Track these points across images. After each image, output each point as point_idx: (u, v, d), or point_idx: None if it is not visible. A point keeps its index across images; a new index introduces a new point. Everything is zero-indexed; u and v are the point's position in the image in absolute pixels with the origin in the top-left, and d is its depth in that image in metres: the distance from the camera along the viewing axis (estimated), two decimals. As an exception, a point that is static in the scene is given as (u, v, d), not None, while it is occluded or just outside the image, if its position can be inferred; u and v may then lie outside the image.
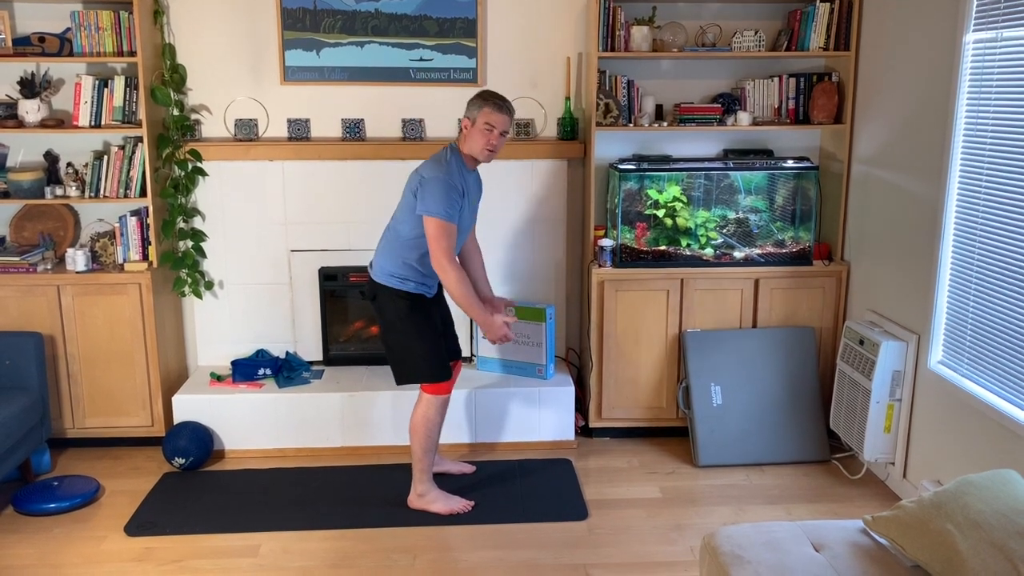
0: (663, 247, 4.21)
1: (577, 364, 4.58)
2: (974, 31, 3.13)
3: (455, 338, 3.75)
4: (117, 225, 4.06)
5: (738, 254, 4.20)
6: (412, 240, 3.35)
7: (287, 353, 4.36)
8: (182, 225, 4.19)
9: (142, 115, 3.95)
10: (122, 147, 4.04)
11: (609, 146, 4.32)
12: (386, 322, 3.46)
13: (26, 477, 3.83)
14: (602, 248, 4.10)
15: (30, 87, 3.96)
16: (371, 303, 3.50)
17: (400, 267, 3.39)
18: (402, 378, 3.51)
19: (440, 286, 3.54)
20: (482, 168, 3.51)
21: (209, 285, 4.29)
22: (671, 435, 4.25)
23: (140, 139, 4.01)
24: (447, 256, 3.25)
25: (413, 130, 4.28)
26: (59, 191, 4.03)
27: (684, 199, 4.24)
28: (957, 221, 3.28)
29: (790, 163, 4.20)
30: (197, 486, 3.80)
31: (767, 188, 4.33)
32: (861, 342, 3.72)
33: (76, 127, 3.98)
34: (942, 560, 2.18)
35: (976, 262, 3.16)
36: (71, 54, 3.93)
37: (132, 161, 4.02)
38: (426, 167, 3.33)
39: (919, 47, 3.50)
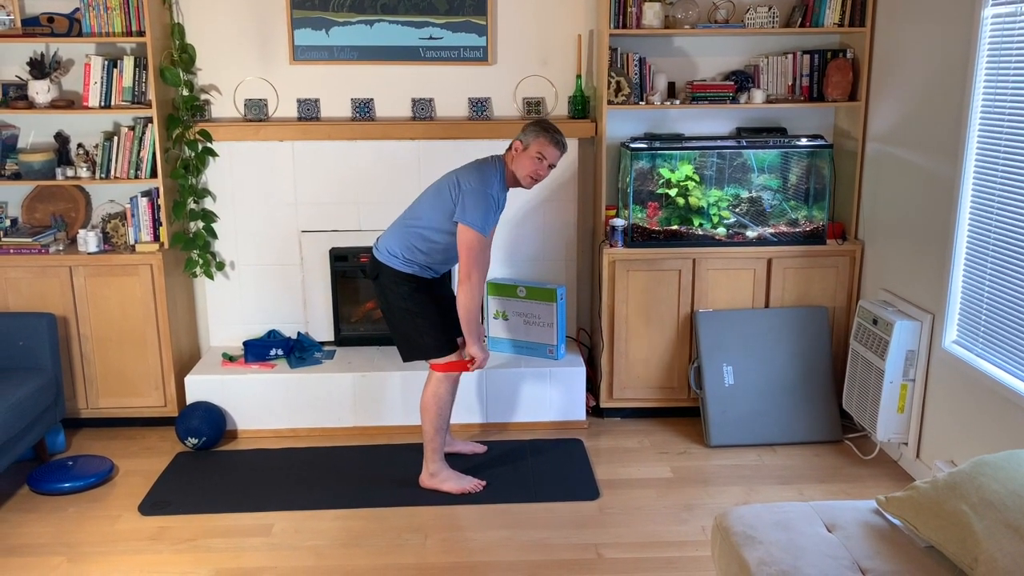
0: (675, 227, 4.18)
1: (588, 344, 4.57)
2: (993, 5, 3.08)
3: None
4: (128, 206, 4.06)
5: (751, 233, 4.17)
6: (430, 235, 3.37)
7: (299, 334, 4.37)
8: (193, 206, 4.19)
9: (152, 95, 3.94)
10: (132, 128, 4.04)
11: (620, 124, 4.28)
12: (389, 302, 3.46)
13: (41, 457, 3.86)
14: (613, 228, 4.08)
15: (40, 68, 3.95)
16: (372, 282, 3.50)
17: (408, 252, 3.39)
18: (409, 355, 3.52)
19: (446, 273, 3.54)
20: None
21: (220, 266, 4.30)
22: (682, 415, 4.24)
23: (150, 120, 4.00)
24: (478, 268, 3.30)
25: (423, 109, 4.25)
26: (70, 172, 4.03)
27: (696, 178, 4.21)
28: (973, 199, 3.24)
29: (804, 141, 4.16)
30: (210, 466, 3.82)
31: (780, 167, 4.29)
32: (875, 322, 3.69)
33: (86, 108, 3.98)
34: (956, 541, 2.17)
35: (992, 241, 3.13)
36: (80, 34, 3.92)
37: (142, 142, 4.01)
38: (471, 175, 3.34)
39: (936, 22, 3.45)
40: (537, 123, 3.38)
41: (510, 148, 3.40)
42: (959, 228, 3.30)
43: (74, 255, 3.99)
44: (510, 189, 3.47)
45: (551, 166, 3.38)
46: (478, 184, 3.31)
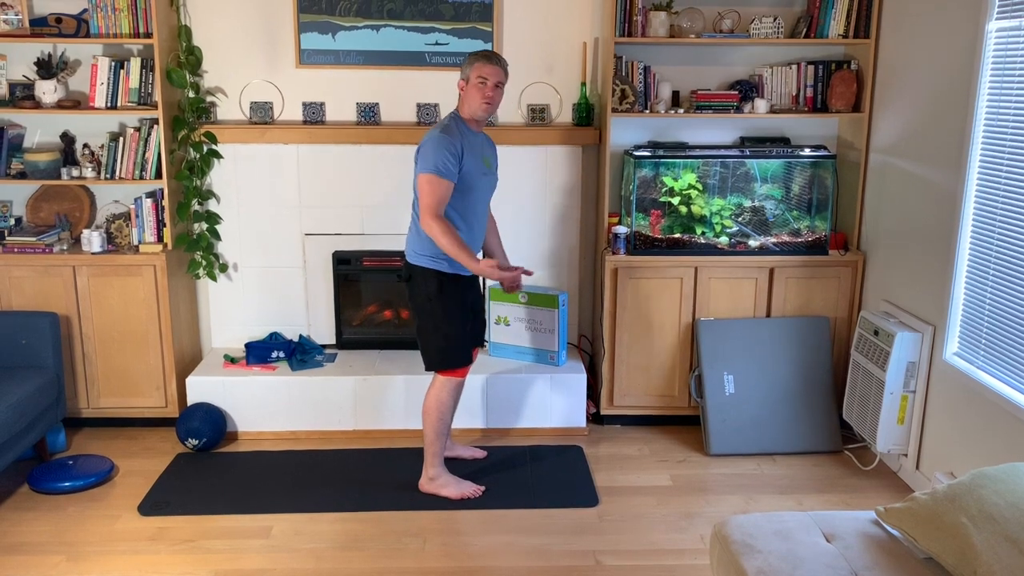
0: (677, 235, 4.19)
1: (589, 351, 4.57)
2: (997, 19, 3.09)
3: (482, 324, 3.78)
4: (132, 207, 4.08)
5: (753, 243, 4.18)
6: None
7: (300, 336, 4.38)
8: (197, 207, 4.20)
9: (158, 97, 3.95)
10: (138, 129, 4.05)
11: (624, 132, 4.29)
12: (416, 305, 3.45)
13: (41, 456, 3.86)
14: (616, 235, 4.09)
15: (47, 68, 3.96)
16: (406, 285, 3.49)
17: (430, 246, 3.35)
18: (429, 363, 3.49)
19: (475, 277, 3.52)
20: (499, 153, 3.51)
21: (223, 267, 4.31)
22: (683, 423, 4.24)
23: (156, 121, 4.02)
24: (431, 212, 3.21)
25: (428, 114, 4.26)
26: (75, 172, 4.04)
27: (699, 187, 4.22)
28: (976, 211, 3.25)
29: (807, 151, 4.17)
30: (210, 467, 3.83)
31: (783, 176, 4.30)
32: (876, 332, 3.69)
33: (92, 108, 3.99)
34: (955, 553, 2.17)
35: (994, 253, 3.13)
36: (88, 35, 3.94)
37: (148, 143, 4.03)
38: (426, 135, 3.33)
39: (940, 35, 3.46)
40: (468, 55, 3.36)
41: (459, 95, 3.38)
42: (961, 240, 3.31)
43: (78, 255, 4.00)
44: (484, 132, 3.46)
45: (497, 85, 3.32)
46: (428, 135, 3.28)
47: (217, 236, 4.26)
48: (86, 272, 3.99)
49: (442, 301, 3.40)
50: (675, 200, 4.19)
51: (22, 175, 4.04)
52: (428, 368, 3.51)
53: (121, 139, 4.04)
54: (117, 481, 3.72)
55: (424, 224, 3.23)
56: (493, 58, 3.32)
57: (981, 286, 3.22)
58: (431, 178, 3.21)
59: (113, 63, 3.96)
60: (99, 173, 4.06)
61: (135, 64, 3.97)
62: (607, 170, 4.15)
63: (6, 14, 3.89)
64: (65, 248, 4.04)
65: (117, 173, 4.05)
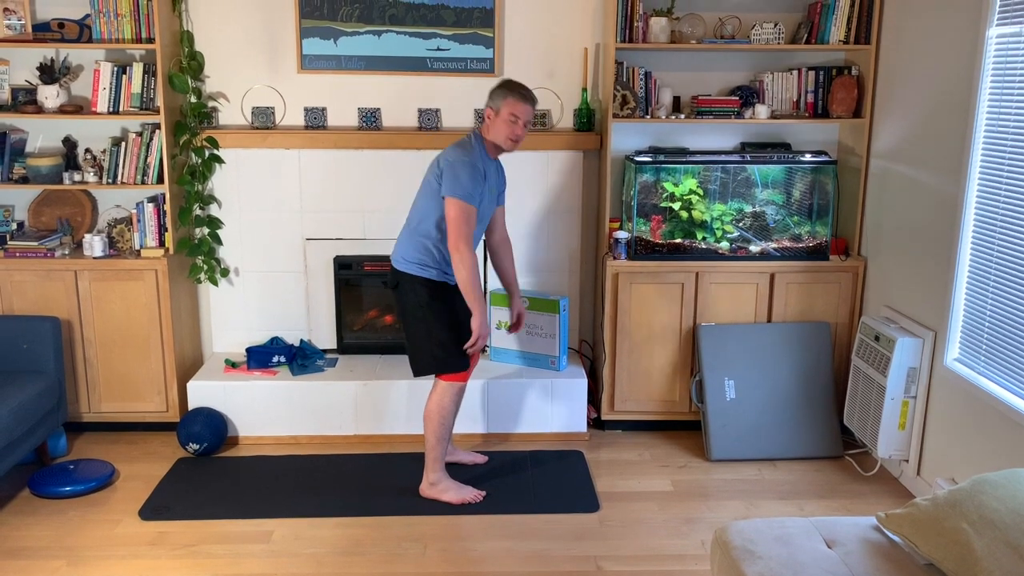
0: (678, 240, 4.19)
1: (590, 356, 4.57)
2: (998, 25, 3.10)
3: None
4: (134, 211, 4.08)
5: (754, 248, 4.18)
6: (433, 225, 3.36)
7: (301, 341, 4.38)
8: (198, 212, 4.21)
9: (160, 102, 3.96)
10: (140, 134, 4.06)
11: (625, 138, 4.30)
12: (406, 311, 3.45)
13: (42, 460, 3.86)
14: (617, 240, 4.09)
15: (49, 73, 3.97)
16: (393, 292, 3.50)
17: (422, 253, 3.38)
18: (419, 370, 3.50)
19: None
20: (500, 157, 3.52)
21: (225, 272, 4.31)
22: (683, 428, 4.24)
23: (157, 126, 4.02)
24: (464, 239, 3.26)
25: (429, 120, 4.27)
26: (77, 177, 4.05)
27: (700, 192, 4.22)
28: (976, 217, 3.25)
29: (808, 157, 4.17)
30: (211, 472, 3.83)
31: (784, 182, 4.30)
32: (877, 338, 3.69)
33: (94, 113, 4.00)
34: (956, 559, 2.17)
35: (995, 259, 3.14)
36: (90, 40, 3.95)
37: (149, 148, 4.03)
38: (450, 151, 3.34)
39: (941, 41, 3.47)
40: (502, 85, 3.36)
41: (484, 119, 3.40)
42: (962, 246, 3.31)
43: (79, 259, 4.01)
44: (498, 159, 3.47)
45: (526, 124, 3.35)
46: (457, 156, 3.30)
47: (218, 240, 4.27)
48: (88, 276, 4.00)
49: (434, 308, 3.41)
50: (676, 205, 4.20)
51: (24, 180, 4.04)
52: (417, 374, 3.52)
53: (123, 144, 4.05)
54: (118, 486, 3.72)
55: (455, 250, 3.27)
56: (527, 96, 3.33)
57: (982, 292, 3.22)
58: (463, 205, 3.25)
59: (115, 68, 3.97)
60: (101, 178, 4.06)
61: (137, 69, 3.98)
62: (608, 175, 4.16)
63: (9, 19, 3.90)
64: (67, 252, 4.05)
65: (119, 178, 4.06)
